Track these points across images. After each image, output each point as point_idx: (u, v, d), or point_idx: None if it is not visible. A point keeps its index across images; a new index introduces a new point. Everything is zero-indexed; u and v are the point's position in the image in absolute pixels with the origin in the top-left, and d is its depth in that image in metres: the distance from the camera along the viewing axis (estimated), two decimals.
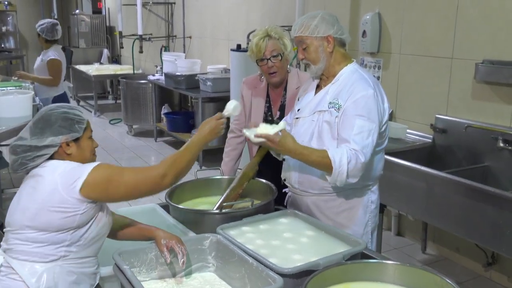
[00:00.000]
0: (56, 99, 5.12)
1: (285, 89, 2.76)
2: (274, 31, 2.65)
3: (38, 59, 5.25)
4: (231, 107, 2.00)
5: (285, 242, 1.92)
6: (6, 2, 12.18)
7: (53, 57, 5.03)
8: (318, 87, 2.32)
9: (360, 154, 2.05)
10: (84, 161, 1.76)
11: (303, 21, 2.21)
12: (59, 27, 5.18)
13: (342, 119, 2.12)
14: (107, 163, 1.73)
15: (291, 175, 2.34)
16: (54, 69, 5.04)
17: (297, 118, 2.35)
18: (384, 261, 1.73)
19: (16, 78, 5.28)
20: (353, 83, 2.15)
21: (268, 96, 2.80)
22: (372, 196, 2.31)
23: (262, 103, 2.80)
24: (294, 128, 2.35)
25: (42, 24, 5.06)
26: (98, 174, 1.66)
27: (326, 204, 2.27)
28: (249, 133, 2.12)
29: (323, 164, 2.08)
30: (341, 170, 2.04)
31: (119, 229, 1.92)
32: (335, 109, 2.16)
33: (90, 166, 1.68)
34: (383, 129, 2.20)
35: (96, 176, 1.65)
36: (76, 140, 1.76)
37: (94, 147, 1.85)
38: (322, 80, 2.30)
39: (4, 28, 12.54)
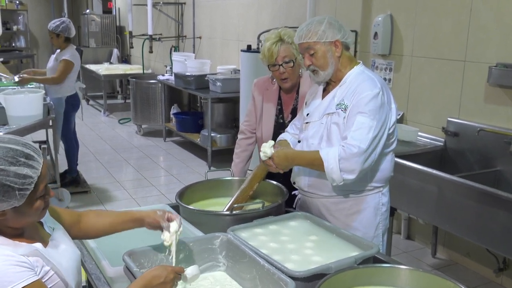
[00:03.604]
0: (69, 99, 5.15)
1: (298, 93, 2.71)
2: (287, 35, 2.58)
3: (52, 59, 5.20)
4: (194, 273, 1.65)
5: (296, 245, 1.91)
6: (17, 2, 12.27)
7: (66, 58, 5.01)
8: (325, 91, 2.32)
9: (352, 147, 2.05)
10: (24, 225, 1.43)
11: (310, 27, 2.19)
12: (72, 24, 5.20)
13: (347, 119, 2.13)
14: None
15: (301, 178, 2.33)
16: (63, 69, 5.00)
17: (306, 122, 2.34)
18: (397, 266, 1.71)
19: (17, 80, 5.04)
20: (359, 84, 2.15)
21: (279, 98, 2.76)
22: (383, 199, 2.29)
23: (273, 106, 2.76)
24: (304, 132, 2.34)
25: (62, 23, 5.00)
26: None
27: (336, 207, 2.26)
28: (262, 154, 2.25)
29: (316, 164, 2.13)
30: (333, 167, 2.07)
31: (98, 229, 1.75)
32: (342, 110, 2.16)
33: (23, 282, 1.31)
34: (391, 130, 2.18)
35: None
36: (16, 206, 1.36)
37: (47, 200, 1.44)
38: (329, 84, 2.30)
39: (15, 27, 12.64)
